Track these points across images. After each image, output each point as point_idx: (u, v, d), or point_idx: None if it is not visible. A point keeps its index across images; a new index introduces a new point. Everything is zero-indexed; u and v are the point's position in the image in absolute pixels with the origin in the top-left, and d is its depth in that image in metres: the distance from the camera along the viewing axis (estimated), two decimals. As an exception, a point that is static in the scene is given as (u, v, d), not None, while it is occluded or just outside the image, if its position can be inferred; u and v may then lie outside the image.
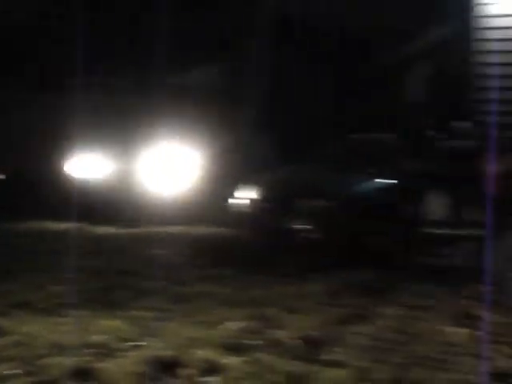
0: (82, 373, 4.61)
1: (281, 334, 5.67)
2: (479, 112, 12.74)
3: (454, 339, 5.88)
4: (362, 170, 9.30)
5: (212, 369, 4.80)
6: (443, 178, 8.94)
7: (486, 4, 12.82)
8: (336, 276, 7.75)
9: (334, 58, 16.46)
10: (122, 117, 11.76)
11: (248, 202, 9.34)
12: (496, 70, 12.66)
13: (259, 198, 9.27)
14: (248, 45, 12.31)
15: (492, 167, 8.19)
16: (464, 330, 6.10)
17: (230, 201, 9.52)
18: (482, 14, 12.87)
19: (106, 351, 5.13)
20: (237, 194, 9.47)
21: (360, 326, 6.07)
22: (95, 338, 5.36)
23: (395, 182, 8.94)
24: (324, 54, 16.57)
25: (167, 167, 11.51)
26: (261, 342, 5.43)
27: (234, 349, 5.22)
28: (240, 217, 9.45)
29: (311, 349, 5.37)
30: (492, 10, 12.84)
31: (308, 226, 8.60)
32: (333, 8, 17.21)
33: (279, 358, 5.12)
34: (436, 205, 9.23)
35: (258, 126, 12.39)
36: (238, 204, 9.43)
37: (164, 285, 7.22)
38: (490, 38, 12.94)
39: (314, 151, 10.80)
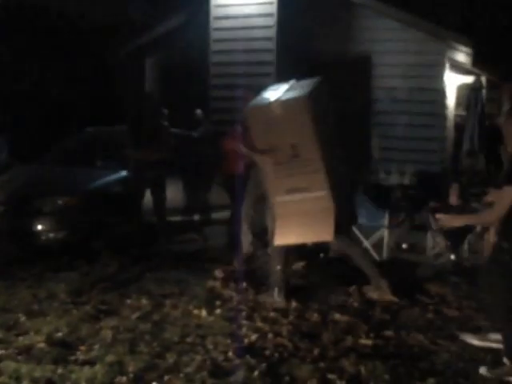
0: None
1: (29, 340, 5.35)
2: (214, 98, 13.09)
3: (206, 321, 5.90)
4: (95, 164, 9.05)
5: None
6: (176, 165, 9.02)
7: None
8: (78, 273, 7.39)
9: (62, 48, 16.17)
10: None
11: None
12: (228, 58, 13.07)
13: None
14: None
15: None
16: (216, 311, 6.13)
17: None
18: (217, 4, 13.11)
19: None
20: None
21: (107, 320, 5.89)
22: None
23: (125, 172, 8.77)
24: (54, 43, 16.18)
25: None
26: (12, 351, 5.09)
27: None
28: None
29: (61, 351, 5.10)
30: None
31: (46, 226, 8.10)
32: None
33: (27, 364, 4.82)
34: (177, 191, 9.29)
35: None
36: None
37: None
38: (224, 27, 13.23)
39: (53, 147, 10.30)
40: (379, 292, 6.70)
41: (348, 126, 9.32)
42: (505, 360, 4.92)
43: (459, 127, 13.65)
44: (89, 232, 8.00)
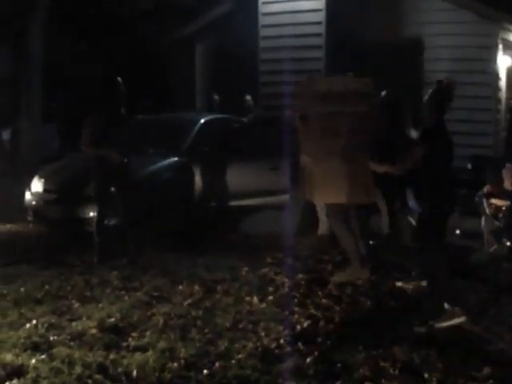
0: None
1: (82, 326, 5.41)
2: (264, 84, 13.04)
3: (257, 308, 5.91)
4: (146, 150, 8.98)
5: (15, 372, 4.48)
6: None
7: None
8: (129, 260, 7.46)
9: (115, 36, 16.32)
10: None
11: (38, 194, 8.81)
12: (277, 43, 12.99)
13: (44, 189, 8.77)
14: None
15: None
16: (268, 298, 6.13)
17: (26, 194, 8.92)
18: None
19: None
20: (33, 186, 8.89)
21: (159, 307, 5.92)
22: None
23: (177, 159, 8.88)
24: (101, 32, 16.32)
25: None
26: (65, 337, 5.15)
27: (37, 348, 4.92)
28: (33, 210, 8.89)
29: (112, 337, 5.16)
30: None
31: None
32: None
33: (79, 349, 4.88)
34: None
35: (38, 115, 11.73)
36: (31, 197, 8.86)
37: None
38: (272, 11, 13.16)
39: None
40: (347, 272, 6.78)
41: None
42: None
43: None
44: (141, 218, 8.00)
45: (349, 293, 6.32)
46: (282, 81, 11.83)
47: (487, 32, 11.96)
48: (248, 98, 12.35)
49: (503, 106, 12.80)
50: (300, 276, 6.76)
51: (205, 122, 9.71)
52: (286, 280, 6.63)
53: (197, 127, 9.50)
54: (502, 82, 12.63)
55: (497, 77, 12.26)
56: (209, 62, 14.68)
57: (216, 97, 12.55)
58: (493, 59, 12.05)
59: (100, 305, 6.00)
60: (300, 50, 12.83)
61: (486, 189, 8.33)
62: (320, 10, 12.79)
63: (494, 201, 8.19)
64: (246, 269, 7.06)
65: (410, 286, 6.59)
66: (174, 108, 13.45)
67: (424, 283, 6.21)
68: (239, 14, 13.65)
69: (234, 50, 13.57)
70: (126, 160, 7.59)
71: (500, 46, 12.16)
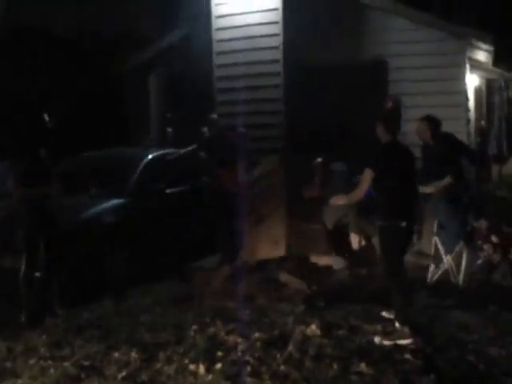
0: None
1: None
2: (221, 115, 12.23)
3: (203, 381, 4.99)
4: (88, 191, 8.13)
5: None
6: None
7: (219, 4, 12.22)
8: (62, 320, 6.55)
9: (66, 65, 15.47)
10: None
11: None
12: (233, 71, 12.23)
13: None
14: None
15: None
16: (216, 367, 5.23)
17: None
18: (217, 15, 12.27)
19: None
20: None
21: (88, 381, 4.98)
22: None
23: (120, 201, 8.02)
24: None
25: None
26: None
27: None
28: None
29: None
30: (224, 10, 12.31)
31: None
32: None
33: None
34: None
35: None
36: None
37: None
38: (226, 38, 12.40)
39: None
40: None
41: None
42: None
43: (482, 131, 12.75)
44: (74, 271, 7.08)
45: (312, 354, 5.42)
46: (238, 112, 11.13)
47: (454, 50, 11.29)
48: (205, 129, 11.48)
49: (473, 127, 12.14)
50: (256, 335, 5.82)
51: (152, 159, 8.85)
52: (239, 340, 5.72)
53: (143, 164, 8.62)
54: (471, 103, 11.96)
55: (465, 97, 11.58)
56: (162, 93, 13.87)
57: (169, 129, 11.72)
58: (462, 78, 11.38)
59: (20, 381, 5.09)
60: (257, 78, 12.07)
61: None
62: (277, 35, 12.01)
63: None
64: (193, 327, 6.10)
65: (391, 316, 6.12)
66: (129, 141, 12.60)
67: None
68: (192, 41, 12.90)
69: (187, 79, 12.80)
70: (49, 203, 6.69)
71: (467, 65, 11.50)
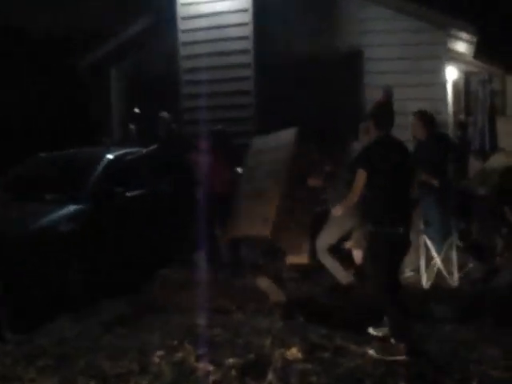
0: None
1: None
2: (188, 110, 11.53)
3: None
4: (42, 197, 7.37)
5: None
6: None
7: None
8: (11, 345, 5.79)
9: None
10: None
11: None
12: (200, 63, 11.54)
13: None
14: None
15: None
16: None
17: None
18: (183, 2, 11.59)
19: None
20: None
21: None
22: None
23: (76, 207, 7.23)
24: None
25: None
26: None
27: None
28: None
29: None
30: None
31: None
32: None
33: None
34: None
35: None
36: None
37: None
38: (192, 28, 11.72)
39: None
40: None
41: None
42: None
43: (462, 125, 12.23)
44: (28, 286, 6.32)
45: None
46: (205, 106, 10.49)
47: (434, 41, 10.70)
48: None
49: (451, 121, 11.59)
50: (230, 361, 5.15)
51: (113, 159, 8.10)
52: (211, 369, 5.04)
53: (102, 165, 7.86)
54: (450, 96, 11.40)
55: (444, 90, 11.01)
56: (125, 87, 13.11)
57: (132, 126, 10.98)
58: (441, 70, 10.80)
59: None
60: (226, 70, 11.41)
61: None
62: (246, 24, 11.37)
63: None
64: (159, 353, 5.40)
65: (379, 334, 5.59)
66: (89, 141, 11.82)
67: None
68: (156, 32, 12.17)
69: (151, 72, 12.07)
70: None
71: (447, 56, 10.93)
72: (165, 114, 9.75)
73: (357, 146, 7.02)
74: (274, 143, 7.48)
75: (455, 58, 11.39)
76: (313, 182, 7.11)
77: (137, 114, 11.43)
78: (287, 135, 7.39)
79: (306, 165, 7.15)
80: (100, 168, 7.76)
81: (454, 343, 5.46)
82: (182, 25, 11.82)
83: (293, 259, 7.33)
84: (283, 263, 7.50)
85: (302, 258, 7.20)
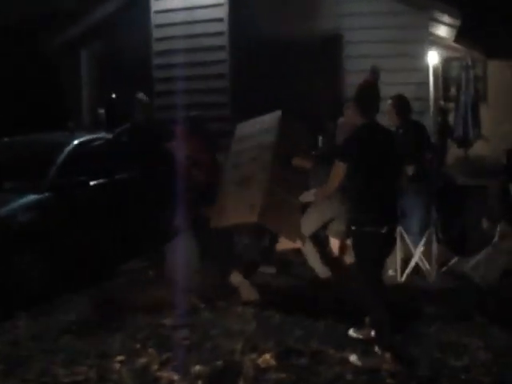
0: None
1: None
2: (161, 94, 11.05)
3: None
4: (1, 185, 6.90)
5: None
6: None
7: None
8: None
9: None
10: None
11: None
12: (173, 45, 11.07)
13: None
14: None
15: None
16: None
17: None
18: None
19: None
20: None
21: None
22: None
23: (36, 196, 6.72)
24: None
25: None
26: None
27: None
28: None
29: None
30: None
31: None
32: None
33: None
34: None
35: None
36: None
37: None
38: (165, 9, 11.24)
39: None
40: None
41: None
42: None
43: (442, 111, 11.88)
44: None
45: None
46: (179, 89, 10.00)
47: (416, 24, 10.29)
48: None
49: (432, 107, 11.19)
50: (196, 369, 4.71)
51: (77, 145, 7.58)
52: (176, 378, 4.60)
53: (65, 152, 7.33)
54: (431, 81, 11.00)
55: (427, 74, 10.61)
56: (95, 70, 12.57)
57: (101, 111, 10.46)
58: (423, 55, 10.40)
59: None
60: (201, 53, 10.95)
61: None
62: (221, 5, 10.93)
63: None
64: (120, 358, 4.95)
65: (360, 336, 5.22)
66: (55, 126, 11.27)
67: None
68: (128, 13, 11.63)
69: (123, 54, 11.55)
70: None
71: (430, 40, 10.54)
72: (141, 95, 9.15)
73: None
74: (258, 128, 7.08)
75: (436, 42, 11.03)
76: (299, 162, 6.58)
77: (114, 99, 10.97)
78: (271, 119, 7.02)
79: (290, 146, 6.72)
80: (62, 155, 7.23)
81: (441, 346, 5.07)
82: (155, 6, 11.37)
83: (284, 245, 6.97)
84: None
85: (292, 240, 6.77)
